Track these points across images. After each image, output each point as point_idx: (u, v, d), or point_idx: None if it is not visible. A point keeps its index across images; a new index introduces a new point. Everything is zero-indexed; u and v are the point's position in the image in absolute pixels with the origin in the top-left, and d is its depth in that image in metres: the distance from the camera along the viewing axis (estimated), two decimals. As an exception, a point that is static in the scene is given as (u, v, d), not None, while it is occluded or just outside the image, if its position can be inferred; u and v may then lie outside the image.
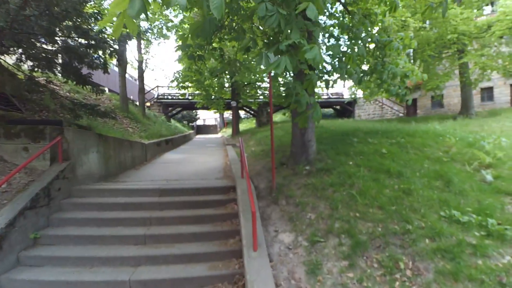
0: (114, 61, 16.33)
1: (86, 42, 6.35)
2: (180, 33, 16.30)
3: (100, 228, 3.97)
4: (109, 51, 7.27)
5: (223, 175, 6.37)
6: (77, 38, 6.34)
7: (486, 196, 3.90)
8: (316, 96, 16.60)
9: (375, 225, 3.52)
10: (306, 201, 4.14)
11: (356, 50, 4.83)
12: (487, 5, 14.83)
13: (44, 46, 6.23)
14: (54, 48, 6.19)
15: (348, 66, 4.46)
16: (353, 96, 20.58)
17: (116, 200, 4.49)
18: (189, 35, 3.40)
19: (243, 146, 4.78)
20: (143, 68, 14.31)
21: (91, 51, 6.66)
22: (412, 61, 13.89)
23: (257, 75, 14.13)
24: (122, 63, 11.94)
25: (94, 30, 6.35)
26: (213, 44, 5.19)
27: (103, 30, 6.78)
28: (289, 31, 2.94)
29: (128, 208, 4.34)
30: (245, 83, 17.20)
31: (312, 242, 3.43)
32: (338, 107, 26.23)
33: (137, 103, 18.03)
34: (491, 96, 17.60)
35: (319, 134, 8.28)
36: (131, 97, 24.17)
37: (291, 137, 5.72)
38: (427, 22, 13.87)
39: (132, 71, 20.33)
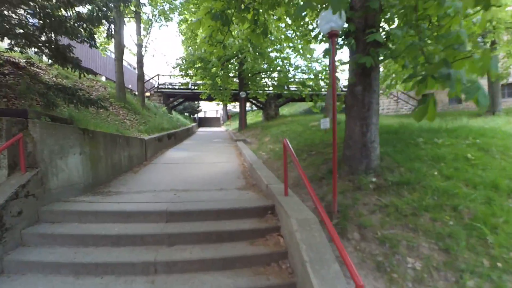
0: (112, 46, 14.66)
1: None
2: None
3: (79, 279, 2.55)
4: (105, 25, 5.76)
5: (246, 184, 4.93)
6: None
7: None
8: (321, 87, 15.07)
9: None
10: (394, 236, 2.72)
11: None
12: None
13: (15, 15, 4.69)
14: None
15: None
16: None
17: (104, 229, 3.06)
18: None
19: (289, 148, 3.25)
20: (142, 53, 12.71)
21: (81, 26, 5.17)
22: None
23: (269, 63, 12.57)
24: (120, 46, 10.36)
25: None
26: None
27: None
28: None
29: (122, 243, 2.90)
30: (255, 72, 15.64)
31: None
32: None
33: (136, 93, 16.51)
34: (511, 92, 16.62)
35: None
36: (130, 86, 22.54)
37: (344, 135, 4.27)
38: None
39: (130, 58, 18.65)
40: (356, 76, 3.87)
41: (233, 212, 3.41)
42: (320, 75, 14.31)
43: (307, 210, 2.91)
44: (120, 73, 10.25)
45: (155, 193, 4.27)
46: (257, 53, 12.20)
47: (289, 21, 8.76)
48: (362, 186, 3.56)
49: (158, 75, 20.82)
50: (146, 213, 3.30)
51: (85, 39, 5.39)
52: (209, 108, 49.68)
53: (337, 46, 3.94)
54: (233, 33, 14.40)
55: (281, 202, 3.11)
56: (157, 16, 14.14)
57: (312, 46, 17.52)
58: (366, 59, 3.31)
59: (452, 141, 4.81)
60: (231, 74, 16.13)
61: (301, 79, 15.18)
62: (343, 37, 3.95)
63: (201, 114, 36.15)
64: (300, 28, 8.21)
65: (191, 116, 30.46)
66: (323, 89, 14.67)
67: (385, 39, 3.59)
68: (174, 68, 13.53)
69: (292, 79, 15.65)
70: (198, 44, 12.53)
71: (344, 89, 18.38)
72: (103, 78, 21.82)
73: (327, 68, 13.79)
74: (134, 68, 19.42)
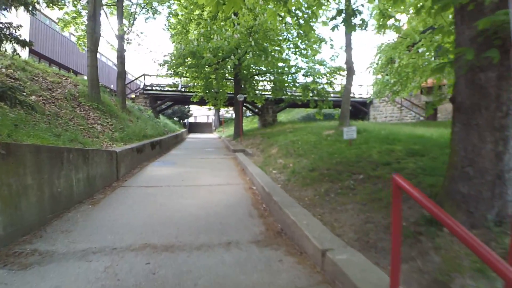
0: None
1: None
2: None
3: None
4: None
5: (266, 230, 3.09)
6: None
7: None
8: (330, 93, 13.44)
9: None
10: None
11: None
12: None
13: None
14: None
15: None
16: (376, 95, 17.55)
17: None
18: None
19: (411, 192, 1.49)
20: (124, 46, 10.78)
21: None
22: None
23: (272, 61, 10.85)
24: (94, 35, 8.43)
25: None
26: None
27: None
28: None
29: None
30: (254, 73, 13.93)
31: None
32: (349, 107, 23.31)
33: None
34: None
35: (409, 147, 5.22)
36: (112, 86, 20.39)
37: (448, 158, 2.51)
38: None
39: (112, 55, 16.62)
40: (478, 52, 2.12)
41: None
42: (326, 75, 12.71)
43: None
44: (93, 68, 8.30)
45: (112, 259, 2.36)
46: (257, 51, 10.49)
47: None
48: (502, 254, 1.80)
49: (144, 75, 18.82)
50: None
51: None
52: (200, 113, 47.70)
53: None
54: (230, 27, 12.70)
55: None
56: (142, 6, 12.30)
57: (316, 46, 16.04)
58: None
59: None
60: (227, 76, 14.38)
61: (305, 83, 13.54)
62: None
63: (191, 119, 34.16)
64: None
65: (181, 121, 28.40)
66: (332, 94, 13.10)
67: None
68: (161, 65, 11.62)
69: (292, 83, 14.02)
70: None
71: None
72: (85, 78, 19.65)
73: (337, 70, 12.23)
74: (115, 65, 17.27)
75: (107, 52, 21.13)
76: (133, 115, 10.85)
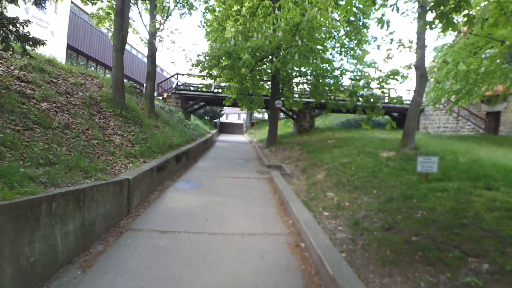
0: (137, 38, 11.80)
1: None
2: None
3: None
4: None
5: None
6: None
7: None
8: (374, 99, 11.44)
9: None
10: None
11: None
12: None
13: None
14: None
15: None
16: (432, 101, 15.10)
17: None
18: None
19: None
20: (156, 44, 9.92)
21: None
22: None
23: (321, 63, 9.27)
24: (121, 31, 7.57)
25: None
26: None
27: None
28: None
29: None
30: (294, 75, 12.45)
31: None
32: (396, 114, 20.80)
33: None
34: None
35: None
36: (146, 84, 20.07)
37: None
38: None
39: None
40: None
41: None
42: (380, 80, 10.83)
43: None
44: (117, 69, 7.46)
45: None
46: (305, 52, 9.01)
47: None
48: None
49: (177, 74, 18.18)
50: None
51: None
52: (232, 111, 47.05)
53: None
54: (270, 26, 11.34)
55: None
56: (177, 1, 11.38)
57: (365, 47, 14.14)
58: None
59: None
60: (264, 77, 13.06)
61: (352, 86, 11.75)
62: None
63: (222, 118, 33.48)
64: None
65: (212, 120, 27.73)
66: (386, 99, 11.23)
67: None
68: (194, 66, 10.61)
69: (336, 86, 12.27)
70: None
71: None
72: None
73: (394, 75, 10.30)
74: (156, 66, 16.53)
75: (143, 49, 20.78)
76: (161, 119, 9.98)
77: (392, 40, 5.77)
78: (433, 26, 3.83)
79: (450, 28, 3.87)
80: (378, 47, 17.76)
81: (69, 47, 15.56)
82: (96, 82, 8.46)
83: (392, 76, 10.89)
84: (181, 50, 36.11)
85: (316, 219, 4.17)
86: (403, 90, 20.81)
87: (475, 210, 3.54)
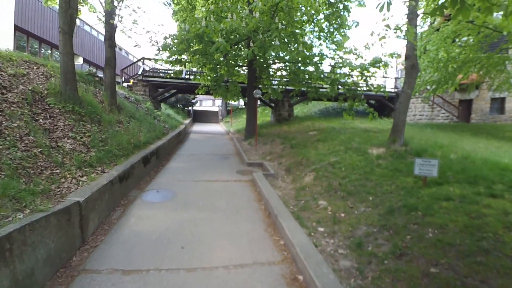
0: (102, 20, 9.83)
1: None
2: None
3: None
4: None
5: None
6: None
7: None
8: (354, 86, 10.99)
9: None
10: None
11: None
12: None
13: None
14: None
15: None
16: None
17: None
18: None
19: None
20: (114, 23, 8.51)
21: None
22: None
23: (304, 49, 8.50)
24: (68, 10, 6.21)
25: None
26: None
27: None
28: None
29: None
30: (273, 60, 11.60)
31: None
32: (373, 101, 20.80)
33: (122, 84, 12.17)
34: None
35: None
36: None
37: None
38: None
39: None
40: None
41: None
42: (362, 68, 10.38)
43: None
44: (66, 55, 6.16)
45: None
46: (285, 36, 8.19)
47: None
48: None
49: (143, 58, 16.48)
50: None
51: None
52: (205, 98, 45.16)
53: None
54: (245, 5, 10.26)
55: None
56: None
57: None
58: None
59: None
60: (239, 63, 12.06)
61: (333, 73, 11.16)
62: None
63: (196, 106, 31.91)
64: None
65: (185, 109, 26.20)
66: (365, 87, 10.86)
67: None
68: (160, 51, 9.36)
69: (316, 73, 11.63)
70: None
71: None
72: (80, 60, 17.26)
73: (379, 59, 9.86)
74: (121, 49, 14.52)
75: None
76: (125, 113, 8.78)
77: (388, 26, 5.15)
78: (444, 11, 3.23)
79: (461, 15, 3.30)
80: (372, 33, 17.32)
81: (17, 28, 13.38)
82: (43, 71, 7.07)
83: (375, 64, 10.48)
84: (145, 32, 33.18)
85: (311, 237, 3.59)
86: (380, 78, 20.71)
87: (491, 228, 3.14)
